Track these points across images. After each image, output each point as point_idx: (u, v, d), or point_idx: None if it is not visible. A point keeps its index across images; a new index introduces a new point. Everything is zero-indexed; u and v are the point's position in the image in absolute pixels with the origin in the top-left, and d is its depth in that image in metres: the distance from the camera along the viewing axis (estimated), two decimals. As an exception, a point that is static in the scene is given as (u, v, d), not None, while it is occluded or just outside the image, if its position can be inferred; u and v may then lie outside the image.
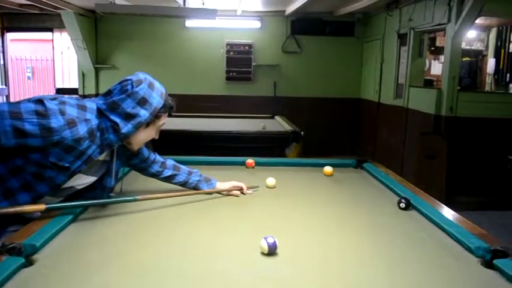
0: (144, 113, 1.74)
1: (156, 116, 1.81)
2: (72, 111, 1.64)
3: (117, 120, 1.72)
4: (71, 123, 1.62)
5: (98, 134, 1.72)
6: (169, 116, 1.95)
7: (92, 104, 1.74)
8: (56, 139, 1.59)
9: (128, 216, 1.87)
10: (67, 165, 1.67)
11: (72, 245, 1.56)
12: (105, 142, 1.75)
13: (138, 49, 7.80)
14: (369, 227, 1.83)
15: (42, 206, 1.66)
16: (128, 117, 1.72)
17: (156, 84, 1.82)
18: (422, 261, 1.49)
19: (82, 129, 1.65)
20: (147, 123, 1.80)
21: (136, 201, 1.93)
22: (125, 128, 1.73)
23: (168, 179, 2.19)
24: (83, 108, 1.69)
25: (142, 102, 1.73)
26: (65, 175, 1.71)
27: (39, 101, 1.59)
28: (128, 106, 1.71)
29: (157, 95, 1.78)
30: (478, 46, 6.86)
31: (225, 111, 6.81)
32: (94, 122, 1.70)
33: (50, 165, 1.64)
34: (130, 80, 1.75)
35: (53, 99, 1.63)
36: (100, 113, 1.73)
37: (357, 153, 7.27)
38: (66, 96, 1.72)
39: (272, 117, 6.08)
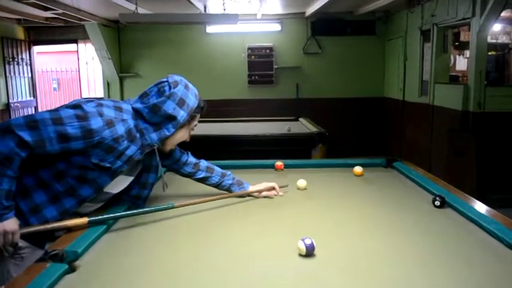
0: (182, 114, 1.80)
1: (191, 117, 1.87)
2: (109, 112, 1.69)
3: (159, 121, 1.78)
4: (110, 124, 1.67)
5: (138, 135, 1.77)
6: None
7: (127, 106, 1.79)
8: (97, 140, 1.64)
9: (164, 221, 1.90)
10: (108, 165, 1.71)
11: (111, 251, 1.59)
12: (145, 143, 1.79)
13: (161, 57, 7.90)
14: (404, 225, 1.81)
15: (85, 220, 1.70)
16: (169, 118, 1.78)
17: (190, 85, 1.88)
18: (462, 259, 1.47)
19: (120, 129, 1.70)
20: (183, 124, 1.85)
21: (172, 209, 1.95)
22: (166, 128, 1.79)
23: (201, 180, 2.22)
24: (119, 109, 1.74)
25: (181, 103, 1.79)
26: (107, 175, 1.75)
27: (77, 105, 1.65)
28: (169, 108, 1.77)
29: (192, 96, 1.84)
30: (504, 39, 6.71)
31: (248, 114, 6.82)
32: (131, 122, 1.75)
33: (92, 167, 1.68)
34: (167, 81, 1.81)
35: (90, 101, 1.70)
36: (137, 114, 1.78)
37: (382, 153, 7.19)
38: (102, 99, 1.78)
39: (296, 119, 6.06)
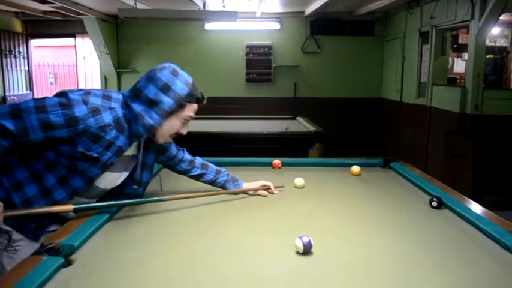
0: (167, 100, 1.72)
1: (180, 105, 1.77)
2: (95, 100, 1.67)
3: (141, 107, 1.72)
4: (95, 111, 1.64)
5: (126, 126, 1.73)
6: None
7: (118, 95, 1.77)
8: (81, 128, 1.61)
9: (159, 215, 1.89)
10: (95, 155, 1.68)
11: (108, 245, 1.58)
12: (133, 134, 1.76)
13: (159, 53, 7.86)
14: (401, 226, 1.81)
15: (70, 207, 1.68)
16: (151, 104, 1.72)
17: (182, 72, 1.81)
18: (459, 260, 1.47)
19: (107, 117, 1.67)
20: (171, 113, 1.77)
21: (164, 201, 1.94)
22: (148, 115, 1.72)
23: (196, 178, 2.20)
24: (107, 98, 1.72)
25: (165, 88, 1.72)
26: (97, 167, 1.72)
27: (63, 93, 1.64)
28: (150, 92, 1.71)
29: (181, 82, 1.76)
30: (502, 42, 6.75)
31: (246, 113, 6.81)
32: (119, 111, 1.72)
33: (80, 156, 1.66)
34: (155, 68, 1.78)
35: (78, 90, 1.68)
36: (126, 104, 1.74)
37: (379, 153, 7.20)
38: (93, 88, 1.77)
39: (294, 118, 6.06)
